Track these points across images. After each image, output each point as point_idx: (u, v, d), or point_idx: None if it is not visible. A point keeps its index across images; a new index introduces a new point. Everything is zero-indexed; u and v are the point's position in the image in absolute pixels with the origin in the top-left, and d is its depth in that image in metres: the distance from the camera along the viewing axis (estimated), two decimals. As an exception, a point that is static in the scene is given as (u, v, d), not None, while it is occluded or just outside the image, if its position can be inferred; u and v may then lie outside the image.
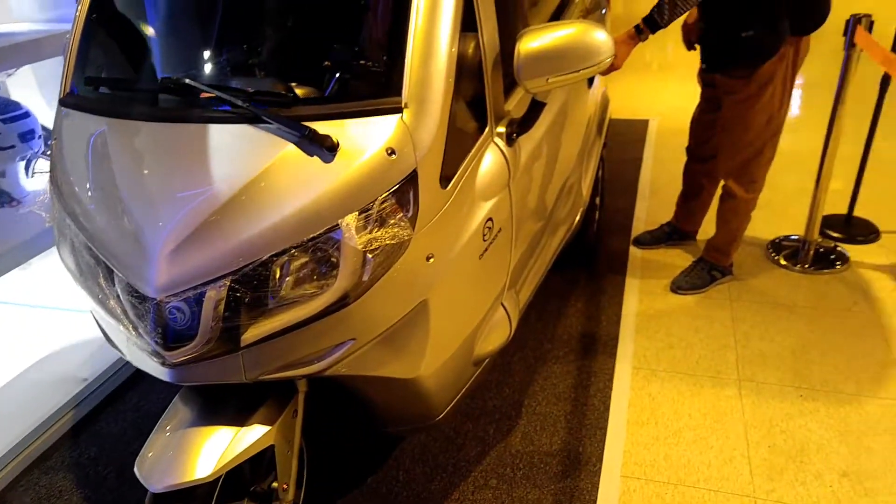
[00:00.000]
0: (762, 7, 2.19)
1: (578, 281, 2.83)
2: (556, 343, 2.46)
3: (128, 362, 2.28)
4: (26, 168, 2.48)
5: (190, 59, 1.58)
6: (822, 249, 2.91)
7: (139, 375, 2.39)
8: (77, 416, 2.19)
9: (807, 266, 2.83)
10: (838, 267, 2.82)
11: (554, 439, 2.04)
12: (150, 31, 1.61)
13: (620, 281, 2.83)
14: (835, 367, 2.27)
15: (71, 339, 2.50)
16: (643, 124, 4.54)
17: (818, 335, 2.43)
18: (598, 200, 3.01)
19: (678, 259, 2.94)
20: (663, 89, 5.31)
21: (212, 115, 1.36)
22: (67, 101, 1.54)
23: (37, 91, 2.56)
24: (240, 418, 1.37)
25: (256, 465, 1.50)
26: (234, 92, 1.35)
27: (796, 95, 5.05)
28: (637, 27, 2.18)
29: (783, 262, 2.88)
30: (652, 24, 2.15)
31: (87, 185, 1.38)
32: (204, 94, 1.39)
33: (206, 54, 1.55)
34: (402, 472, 1.96)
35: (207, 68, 1.54)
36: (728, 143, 2.48)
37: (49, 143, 1.55)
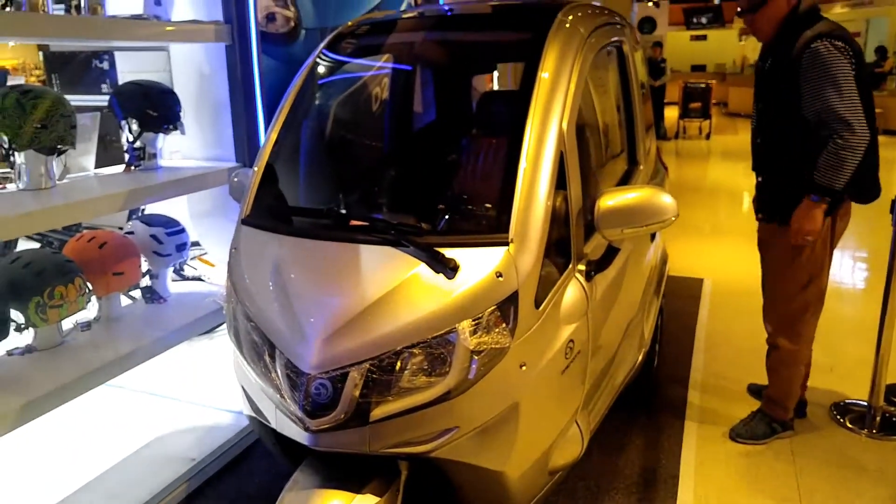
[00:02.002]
0: None
1: (638, 419, 3.00)
2: (617, 475, 2.61)
3: (228, 449, 2.59)
4: (176, 272, 2.97)
5: (341, 195, 2.03)
6: (889, 416, 2.96)
7: (239, 460, 2.69)
8: (188, 489, 2.48)
9: (874, 431, 2.89)
10: (908, 435, 2.87)
11: (617, 563, 2.15)
12: (310, 173, 2.10)
13: (679, 424, 2.98)
14: (909, 531, 2.30)
15: (181, 425, 2.83)
16: (698, 282, 4.84)
17: (890, 499, 2.46)
18: (657, 346, 3.25)
19: (736, 408, 3.08)
20: (716, 251, 5.65)
21: (360, 238, 1.76)
22: (247, 221, 2.00)
23: (185, 210, 3.11)
24: (354, 488, 1.62)
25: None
26: (380, 223, 1.77)
27: (859, 265, 5.31)
28: (812, 196, 2.39)
29: (849, 424, 2.94)
30: (825, 190, 2.37)
31: (261, 284, 1.78)
32: (354, 222, 1.82)
33: (356, 192, 2.01)
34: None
35: (357, 202, 1.99)
36: (770, 296, 2.70)
37: (231, 251, 1.97)
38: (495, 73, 4.17)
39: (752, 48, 20.52)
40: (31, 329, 2.26)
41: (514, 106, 1.91)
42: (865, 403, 3.01)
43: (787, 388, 2.79)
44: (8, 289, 2.14)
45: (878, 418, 2.94)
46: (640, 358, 2.72)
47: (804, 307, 2.63)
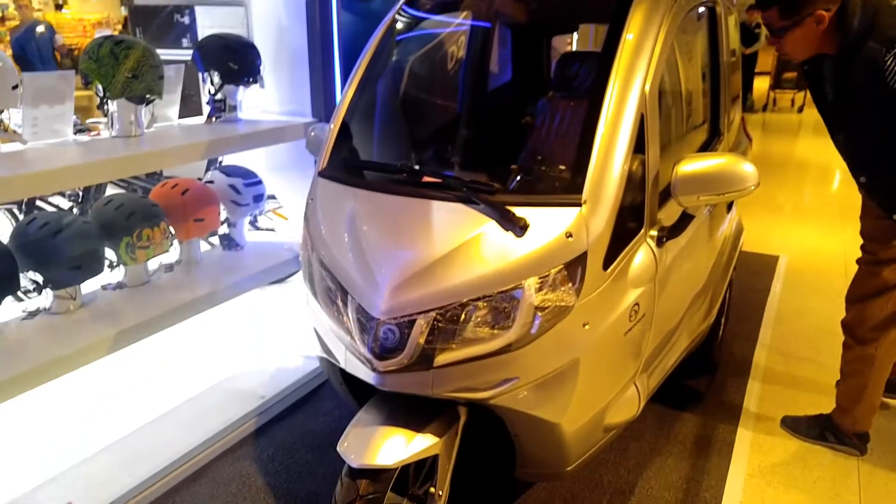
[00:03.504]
0: None
1: (699, 389, 2.98)
2: (671, 439, 2.62)
3: (296, 389, 2.73)
4: (250, 223, 3.11)
5: (415, 151, 2.07)
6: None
7: (306, 401, 2.85)
8: (258, 424, 2.66)
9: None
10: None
11: (664, 522, 2.19)
12: (386, 129, 2.14)
13: (740, 396, 2.95)
14: (968, 515, 2.24)
15: (253, 365, 3.00)
16: (773, 259, 4.68)
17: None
18: (723, 319, 3.19)
19: (798, 384, 3.02)
20: (796, 230, 5.42)
21: (432, 194, 1.80)
22: (324, 173, 2.07)
23: (263, 165, 3.23)
24: (416, 427, 1.70)
25: (417, 473, 1.81)
26: (453, 180, 1.80)
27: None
28: None
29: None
30: None
31: (336, 233, 1.86)
32: (427, 178, 1.86)
33: (430, 149, 2.04)
34: (524, 520, 2.19)
35: (430, 159, 2.02)
36: (854, 283, 2.47)
37: (308, 202, 2.05)
38: (575, 35, 4.08)
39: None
40: (121, 267, 2.44)
41: (596, 67, 1.88)
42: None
43: (852, 396, 2.51)
44: (102, 229, 2.31)
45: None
46: (705, 328, 2.68)
47: (885, 308, 2.35)
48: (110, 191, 4.30)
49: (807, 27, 2.06)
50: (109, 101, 2.35)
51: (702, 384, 3.02)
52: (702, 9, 2.42)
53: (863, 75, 2.05)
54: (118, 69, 2.28)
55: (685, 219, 2.02)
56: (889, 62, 1.96)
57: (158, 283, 2.54)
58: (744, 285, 4.08)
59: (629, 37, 1.84)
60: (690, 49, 2.47)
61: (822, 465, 2.49)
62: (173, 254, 2.66)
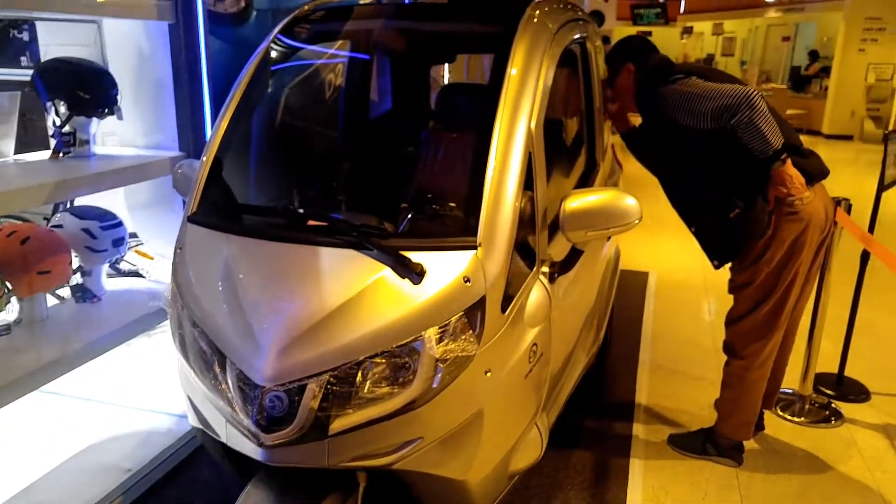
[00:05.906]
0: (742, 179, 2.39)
1: (590, 413, 3.02)
2: (570, 471, 2.62)
3: (169, 456, 2.45)
4: (111, 266, 2.76)
5: (297, 191, 1.92)
6: (816, 404, 3.12)
7: (178, 471, 2.54)
8: (124, 502, 2.31)
9: (802, 419, 3.04)
10: (833, 423, 3.02)
11: (571, 560, 2.16)
12: (263, 166, 1.97)
13: (629, 417, 3.02)
14: (835, 513, 2.42)
15: (117, 431, 2.65)
16: (643, 276, 4.93)
17: (818, 483, 2.60)
18: (607, 342, 3.28)
19: (682, 401, 3.14)
20: (660, 245, 5.77)
21: (319, 240, 1.66)
22: (193, 219, 1.86)
23: (122, 201, 2.90)
24: (311, 501, 1.54)
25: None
26: (341, 223, 1.67)
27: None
28: (770, 168, 2.30)
29: (780, 412, 3.07)
30: (773, 156, 2.26)
31: (209, 288, 1.66)
32: (312, 222, 1.71)
33: (313, 188, 1.90)
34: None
35: (314, 199, 1.88)
36: (730, 309, 2.65)
37: (176, 250, 1.83)
38: (446, 66, 4.10)
39: (692, 46, 21.23)
40: (-59, 333, 2.06)
41: (481, 102, 1.85)
42: (794, 392, 3.14)
43: (729, 408, 2.68)
44: (-86, 288, 1.93)
45: (806, 406, 3.10)
46: (594, 352, 2.72)
47: (752, 330, 2.55)
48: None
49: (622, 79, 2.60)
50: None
51: (593, 408, 3.07)
52: (575, 44, 2.48)
53: (653, 116, 2.50)
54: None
55: (575, 252, 2.02)
56: (661, 92, 2.38)
57: (-9, 348, 2.17)
58: (621, 304, 4.25)
59: (513, 72, 1.82)
60: (567, 83, 2.52)
61: (706, 480, 2.60)
62: (11, 313, 2.30)
